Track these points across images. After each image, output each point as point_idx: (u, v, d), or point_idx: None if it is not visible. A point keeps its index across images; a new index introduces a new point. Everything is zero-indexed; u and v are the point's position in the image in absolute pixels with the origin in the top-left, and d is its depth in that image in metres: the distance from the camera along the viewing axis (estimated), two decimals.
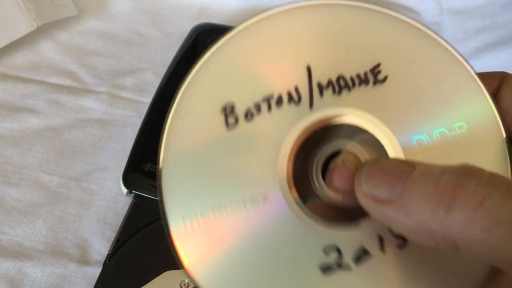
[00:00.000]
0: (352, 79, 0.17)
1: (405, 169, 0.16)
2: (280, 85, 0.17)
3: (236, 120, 0.17)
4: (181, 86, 0.18)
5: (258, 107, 0.17)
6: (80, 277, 0.34)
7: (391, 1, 0.51)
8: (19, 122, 0.41)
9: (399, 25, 0.18)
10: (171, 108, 0.18)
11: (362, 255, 0.17)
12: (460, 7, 0.50)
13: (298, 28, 0.18)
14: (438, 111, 0.17)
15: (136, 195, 0.37)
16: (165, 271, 0.33)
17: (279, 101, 0.17)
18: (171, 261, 0.33)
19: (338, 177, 0.18)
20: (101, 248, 0.35)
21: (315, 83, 0.17)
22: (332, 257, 0.17)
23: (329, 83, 0.17)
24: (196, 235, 0.17)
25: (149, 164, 0.37)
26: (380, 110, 0.17)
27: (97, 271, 0.34)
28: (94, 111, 0.42)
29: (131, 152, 0.38)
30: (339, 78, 0.17)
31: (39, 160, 0.39)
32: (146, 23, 0.49)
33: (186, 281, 0.32)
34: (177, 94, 0.18)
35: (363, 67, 0.17)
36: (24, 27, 0.45)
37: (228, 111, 0.17)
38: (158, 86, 0.42)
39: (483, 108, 0.17)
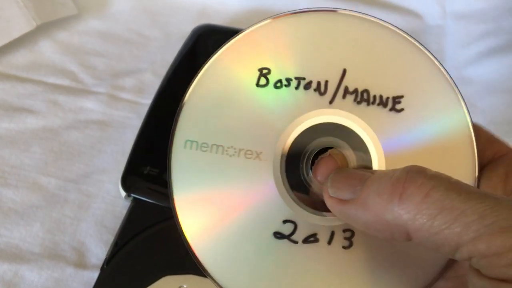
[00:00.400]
0: (374, 96, 0.20)
1: (365, 174, 0.19)
2: (314, 74, 0.20)
3: (267, 82, 0.19)
4: (227, 42, 0.20)
5: (288, 82, 0.19)
6: (77, 281, 0.34)
7: (395, 4, 0.50)
8: (17, 122, 0.41)
9: (425, 61, 0.20)
10: (211, 57, 0.20)
11: (311, 238, 0.20)
12: (464, 11, 0.49)
13: (344, 31, 0.20)
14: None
15: (135, 199, 0.36)
16: (164, 276, 0.32)
17: (308, 86, 0.20)
18: (170, 266, 0.33)
19: (323, 166, 0.20)
20: (98, 251, 0.35)
21: (343, 85, 0.20)
22: (288, 229, 0.20)
23: (355, 91, 0.20)
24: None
25: (148, 167, 0.37)
26: (383, 132, 0.20)
27: (94, 275, 0.33)
28: (93, 112, 0.42)
29: (130, 155, 0.38)
30: (364, 91, 0.20)
31: (36, 161, 0.39)
32: (146, 23, 0.49)
33: (185, 286, 0.32)
34: (218, 50, 0.20)
35: (388, 92, 0.20)
36: (23, 26, 0.44)
37: (264, 73, 0.19)
38: (158, 88, 0.41)
39: (460, 122, 0.20)
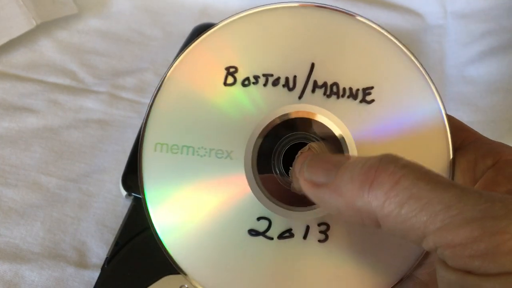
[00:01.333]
0: (344, 89, 0.20)
1: (340, 159, 0.19)
2: (282, 70, 0.20)
3: (235, 81, 0.19)
4: (192, 42, 0.20)
5: (256, 79, 0.19)
6: (78, 281, 0.34)
7: (396, 3, 0.50)
8: (17, 121, 0.40)
9: (396, 52, 0.20)
10: (175, 59, 0.20)
11: (286, 234, 0.20)
12: (465, 11, 0.49)
13: (312, 25, 0.20)
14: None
15: (136, 198, 0.36)
16: (165, 276, 0.32)
17: (276, 82, 0.19)
18: (171, 266, 0.32)
19: (302, 159, 0.20)
20: (99, 251, 0.35)
21: (312, 79, 0.19)
22: (262, 226, 0.20)
23: (324, 84, 0.20)
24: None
25: None
26: (354, 124, 0.20)
27: (95, 274, 0.33)
28: (93, 112, 0.42)
29: (130, 154, 0.38)
30: (333, 84, 0.20)
31: (37, 160, 0.39)
32: (147, 22, 0.49)
33: (186, 286, 0.32)
34: (186, 48, 0.20)
35: (358, 84, 0.20)
36: (23, 25, 0.44)
37: (231, 71, 0.19)
38: (158, 87, 0.41)
39: (433, 110, 0.20)
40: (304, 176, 0.19)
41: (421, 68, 0.20)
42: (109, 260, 0.33)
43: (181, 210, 0.20)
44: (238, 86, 0.20)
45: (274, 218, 0.20)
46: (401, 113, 0.20)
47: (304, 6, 0.20)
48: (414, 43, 0.48)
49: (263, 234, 0.20)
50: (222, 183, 0.20)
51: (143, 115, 0.40)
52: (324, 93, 0.20)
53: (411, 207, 0.16)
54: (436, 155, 0.20)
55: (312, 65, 0.19)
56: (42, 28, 0.45)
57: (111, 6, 0.49)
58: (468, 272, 0.16)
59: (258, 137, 0.20)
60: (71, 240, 0.35)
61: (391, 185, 0.17)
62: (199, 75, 0.20)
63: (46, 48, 0.46)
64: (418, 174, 0.17)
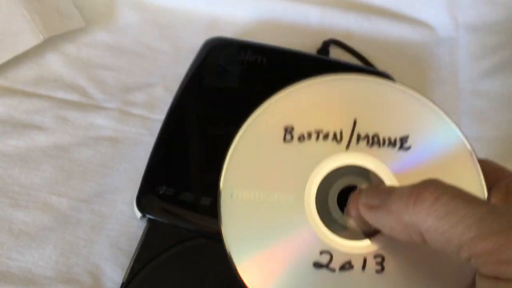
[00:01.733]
0: (384, 139, 0.23)
1: (391, 187, 0.23)
2: (330, 126, 0.24)
3: (292, 138, 0.23)
4: (252, 113, 0.24)
5: (309, 135, 0.23)
6: None
7: (407, 15, 0.50)
8: (26, 139, 0.39)
9: (420, 106, 0.24)
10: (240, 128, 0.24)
11: (346, 265, 0.23)
12: (476, 23, 0.49)
13: (354, 90, 0.24)
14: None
15: (150, 219, 0.35)
16: None
17: (326, 136, 0.23)
18: None
19: (355, 197, 0.23)
20: (114, 275, 0.34)
21: (356, 133, 0.23)
22: (325, 258, 0.23)
23: (366, 136, 0.23)
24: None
25: (164, 187, 0.35)
26: (394, 166, 0.23)
27: None
28: (104, 129, 0.41)
29: (144, 174, 0.37)
30: (374, 135, 0.23)
31: (47, 180, 0.38)
32: (155, 36, 0.48)
33: None
34: (253, 113, 0.24)
35: (395, 134, 0.24)
36: (30, 40, 0.43)
37: (289, 130, 0.23)
38: (171, 103, 0.40)
39: (459, 145, 0.24)
40: (362, 201, 0.22)
41: (442, 114, 0.24)
42: (125, 286, 0.32)
43: (257, 247, 0.23)
44: (295, 142, 0.24)
45: (334, 252, 0.23)
46: (434, 156, 0.24)
47: (344, 78, 0.24)
48: (426, 55, 0.48)
49: (326, 266, 0.23)
50: (290, 224, 0.23)
51: (154, 131, 0.40)
52: (367, 143, 0.23)
53: (448, 220, 0.19)
54: (468, 185, 0.23)
55: (355, 121, 0.23)
56: (49, 42, 0.44)
57: (118, 20, 0.48)
58: (497, 278, 0.18)
59: (315, 182, 0.23)
60: (85, 264, 0.34)
61: (431, 201, 0.19)
62: (264, 133, 0.24)
63: (53, 63, 0.45)
64: (455, 193, 0.20)
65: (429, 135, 0.24)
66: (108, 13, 0.48)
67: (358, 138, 0.23)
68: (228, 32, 0.48)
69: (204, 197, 0.35)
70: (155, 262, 0.33)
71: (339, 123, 0.23)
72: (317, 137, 0.23)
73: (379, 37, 0.49)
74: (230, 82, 0.43)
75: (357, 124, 0.23)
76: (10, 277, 0.33)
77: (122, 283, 0.32)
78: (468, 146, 0.24)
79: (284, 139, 0.23)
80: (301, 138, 0.23)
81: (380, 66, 0.46)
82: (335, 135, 0.23)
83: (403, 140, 0.23)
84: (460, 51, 0.48)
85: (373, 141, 0.23)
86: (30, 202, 0.37)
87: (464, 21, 0.49)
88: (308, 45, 0.48)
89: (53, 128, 0.40)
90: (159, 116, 0.41)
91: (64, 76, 0.44)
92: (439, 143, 0.23)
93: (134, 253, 0.33)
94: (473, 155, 0.24)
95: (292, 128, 0.23)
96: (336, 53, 0.47)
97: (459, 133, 0.24)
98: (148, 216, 0.35)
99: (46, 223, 0.36)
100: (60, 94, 0.43)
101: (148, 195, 0.36)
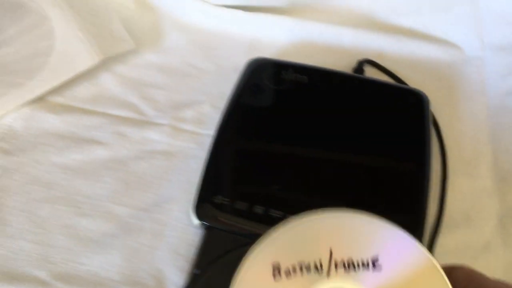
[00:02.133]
0: (357, 262, 0.25)
1: None
2: (310, 258, 0.26)
3: (279, 274, 0.25)
4: (247, 255, 0.25)
5: (294, 269, 0.25)
6: None
7: (435, 36, 0.53)
8: (87, 153, 0.43)
9: (388, 230, 0.26)
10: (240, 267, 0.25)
11: None
12: (502, 43, 0.52)
13: (333, 226, 0.27)
14: None
15: (207, 226, 0.38)
16: None
17: (308, 268, 0.25)
18: None
19: None
20: (175, 278, 0.37)
21: (333, 261, 0.25)
22: None
23: (342, 262, 0.25)
24: None
25: (220, 196, 0.38)
26: (370, 284, 0.25)
27: None
28: (158, 143, 0.44)
29: (200, 184, 0.39)
30: (349, 260, 0.25)
31: (108, 191, 0.41)
32: (199, 56, 0.51)
33: None
34: (243, 262, 0.25)
35: (366, 255, 0.26)
36: (86, 61, 0.47)
37: (275, 268, 0.25)
38: (221, 119, 0.43)
39: (425, 263, 0.26)
40: None
41: (409, 237, 0.26)
42: None
43: None
44: (283, 278, 0.25)
45: None
46: (403, 273, 0.25)
47: (319, 217, 0.27)
48: (454, 74, 0.51)
49: None
50: None
51: (204, 145, 0.43)
52: (344, 269, 0.25)
53: None
54: None
55: (331, 251, 0.25)
56: (102, 63, 0.48)
57: (164, 41, 0.52)
58: None
59: None
60: (148, 268, 0.37)
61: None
62: (250, 274, 0.25)
63: (107, 82, 0.48)
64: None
65: (396, 255, 0.26)
66: (156, 36, 0.52)
67: (336, 265, 0.25)
68: (267, 53, 0.51)
69: (257, 205, 0.38)
70: (216, 266, 0.35)
71: (318, 254, 0.25)
72: (301, 270, 0.25)
73: (409, 57, 0.52)
74: (273, 99, 0.46)
75: (332, 252, 0.25)
76: (80, 281, 0.36)
77: (186, 287, 0.35)
78: (433, 260, 0.26)
79: (274, 277, 0.25)
80: (287, 273, 0.25)
81: (411, 84, 0.49)
82: (315, 266, 0.25)
83: (374, 260, 0.25)
84: (487, 69, 0.51)
85: (349, 265, 0.25)
86: (94, 211, 0.39)
87: (489, 41, 0.52)
88: (342, 65, 0.50)
89: (111, 143, 0.43)
90: (208, 131, 0.44)
91: (117, 94, 0.47)
92: (406, 261, 0.26)
93: (195, 258, 0.36)
94: (438, 267, 0.25)
95: (279, 265, 0.25)
96: (369, 72, 0.50)
97: (423, 249, 0.26)
98: (205, 223, 0.38)
99: (110, 231, 0.39)
100: (116, 111, 0.46)
101: (205, 204, 0.38)
